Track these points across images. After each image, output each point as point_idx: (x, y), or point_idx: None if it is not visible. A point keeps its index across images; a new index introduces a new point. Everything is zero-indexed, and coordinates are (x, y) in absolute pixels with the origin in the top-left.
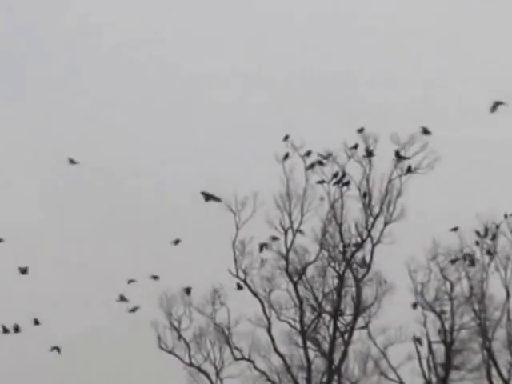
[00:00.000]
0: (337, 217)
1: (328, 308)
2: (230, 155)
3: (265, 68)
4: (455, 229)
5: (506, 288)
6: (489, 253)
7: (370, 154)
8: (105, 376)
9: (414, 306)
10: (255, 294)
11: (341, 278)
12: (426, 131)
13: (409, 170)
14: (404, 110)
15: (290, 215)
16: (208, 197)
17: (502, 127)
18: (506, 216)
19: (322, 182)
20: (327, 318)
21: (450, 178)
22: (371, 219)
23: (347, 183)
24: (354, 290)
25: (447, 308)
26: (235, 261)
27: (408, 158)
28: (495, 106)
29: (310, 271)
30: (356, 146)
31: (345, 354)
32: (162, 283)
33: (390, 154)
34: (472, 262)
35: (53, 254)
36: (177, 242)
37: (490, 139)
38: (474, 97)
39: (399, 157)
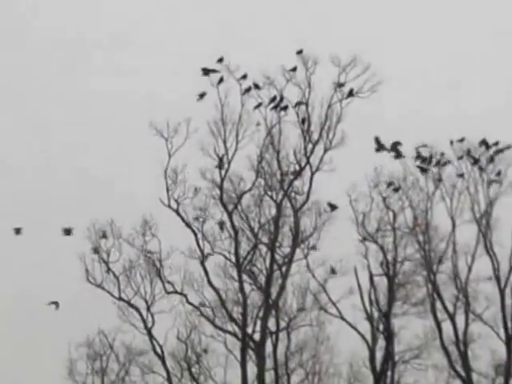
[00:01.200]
0: (274, 143)
1: (265, 239)
2: (163, 79)
3: None
4: (398, 156)
5: (452, 218)
6: (436, 178)
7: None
8: (32, 311)
9: (363, 239)
10: (188, 225)
11: (278, 207)
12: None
13: (350, 93)
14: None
15: (224, 142)
16: (207, 71)
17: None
18: (451, 142)
19: (258, 105)
20: (264, 249)
21: (394, 101)
22: (310, 146)
23: (285, 108)
24: (292, 220)
25: (390, 239)
26: (167, 190)
27: (343, 85)
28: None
29: (246, 201)
30: (295, 69)
31: (282, 287)
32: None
33: (331, 76)
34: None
35: None
36: None
37: None
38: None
39: (339, 84)
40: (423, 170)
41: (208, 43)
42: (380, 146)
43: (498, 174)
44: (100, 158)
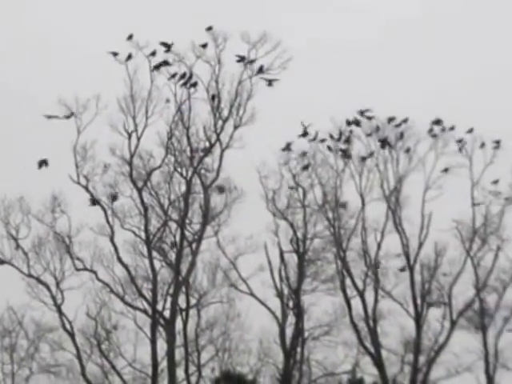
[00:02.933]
0: (184, 120)
1: (175, 216)
2: (71, 54)
3: None
4: (306, 134)
5: (361, 195)
6: (345, 155)
7: None
8: None
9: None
10: (97, 202)
11: (188, 184)
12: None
13: (260, 70)
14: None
15: (134, 118)
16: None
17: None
18: (357, 122)
19: (173, 76)
20: (174, 226)
21: (304, 79)
22: (220, 123)
23: (195, 84)
24: (202, 197)
25: (300, 216)
26: (76, 166)
27: (251, 63)
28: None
29: (156, 177)
30: (205, 45)
31: (192, 264)
32: None
33: (242, 53)
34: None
35: None
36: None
37: (346, 39)
38: None
39: (242, 59)
40: (330, 149)
41: (118, 20)
42: (305, 132)
43: (407, 151)
44: (8, 129)
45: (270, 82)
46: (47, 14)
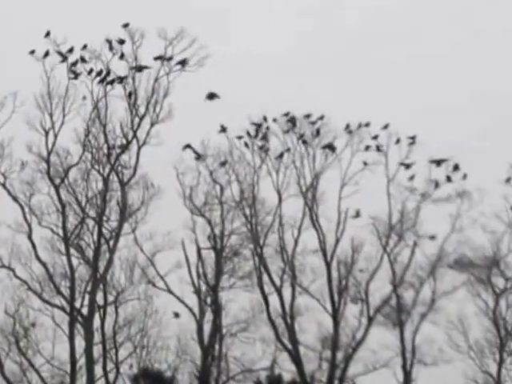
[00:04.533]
0: (101, 117)
1: (92, 213)
2: None
3: None
4: (224, 129)
5: (278, 192)
6: (262, 150)
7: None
8: None
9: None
10: (15, 199)
11: (105, 181)
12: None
13: (182, 63)
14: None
15: (51, 115)
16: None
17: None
18: (274, 119)
19: (90, 71)
20: (91, 223)
21: (220, 75)
22: (137, 120)
23: (112, 82)
24: (119, 194)
25: (217, 213)
26: None
27: (168, 60)
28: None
29: (73, 174)
30: (122, 42)
31: (110, 261)
32: None
33: (159, 50)
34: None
35: None
36: None
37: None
38: None
39: (165, 58)
40: (247, 145)
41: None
42: (223, 129)
43: (324, 147)
44: None
45: (182, 64)
46: None
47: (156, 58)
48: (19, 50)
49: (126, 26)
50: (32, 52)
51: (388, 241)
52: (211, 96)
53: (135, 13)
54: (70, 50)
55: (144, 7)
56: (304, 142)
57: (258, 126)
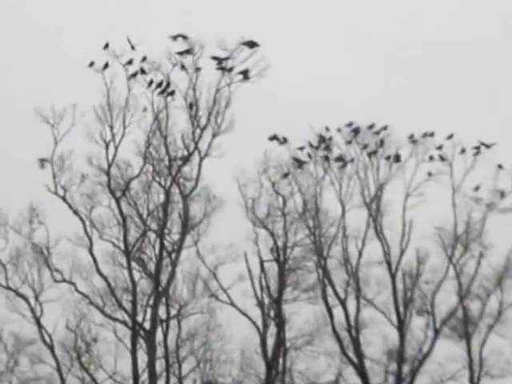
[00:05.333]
0: (161, 129)
1: (154, 226)
2: (47, 63)
3: None
4: (285, 140)
5: (342, 203)
6: (325, 159)
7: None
8: None
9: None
10: (75, 212)
11: (167, 193)
12: (252, 44)
13: (243, 74)
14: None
15: (111, 128)
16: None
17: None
18: (339, 130)
19: (150, 83)
20: (153, 236)
21: (282, 87)
22: (198, 131)
23: (172, 93)
24: (181, 206)
25: (280, 224)
26: (53, 177)
27: (229, 70)
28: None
29: (134, 187)
30: (182, 53)
31: (172, 274)
32: None
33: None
34: (300, 165)
35: None
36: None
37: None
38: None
39: (220, 62)
40: (310, 156)
41: (94, 28)
42: (284, 140)
43: (388, 158)
44: None
45: (244, 75)
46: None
47: (217, 63)
48: (78, 62)
49: (185, 37)
50: (91, 64)
51: (454, 252)
52: (251, 44)
53: (195, 23)
54: (130, 62)
55: (203, 18)
56: (368, 153)
57: (321, 136)
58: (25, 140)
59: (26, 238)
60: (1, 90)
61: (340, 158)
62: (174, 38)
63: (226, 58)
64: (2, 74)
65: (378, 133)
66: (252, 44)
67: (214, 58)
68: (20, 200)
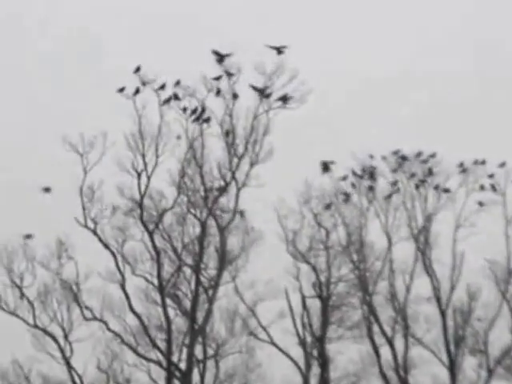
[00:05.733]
0: (197, 157)
1: (189, 261)
2: (75, 89)
3: None
4: (327, 169)
5: (388, 235)
6: (370, 189)
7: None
8: None
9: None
10: (106, 246)
11: (203, 226)
12: (279, 51)
13: (283, 101)
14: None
15: (143, 156)
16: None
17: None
18: (384, 157)
19: (184, 110)
20: (188, 271)
21: (324, 113)
22: (235, 160)
23: (207, 120)
24: (217, 239)
25: (322, 258)
26: (83, 208)
27: (268, 96)
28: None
29: (168, 219)
30: (218, 78)
31: (209, 312)
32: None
33: (257, 85)
34: (347, 199)
35: None
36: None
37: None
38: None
39: (260, 92)
40: (353, 186)
41: (123, 52)
42: (326, 169)
43: (436, 187)
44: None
45: (283, 100)
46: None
47: (258, 92)
48: (107, 88)
49: (221, 60)
50: (121, 90)
51: (507, 286)
52: (325, 167)
53: (231, 46)
54: (162, 87)
55: (240, 40)
56: (415, 183)
57: (365, 165)
58: (52, 170)
59: (55, 274)
60: (29, 117)
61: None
62: (215, 53)
63: (265, 88)
64: (30, 100)
65: (425, 161)
66: (280, 49)
67: (254, 88)
68: (48, 233)
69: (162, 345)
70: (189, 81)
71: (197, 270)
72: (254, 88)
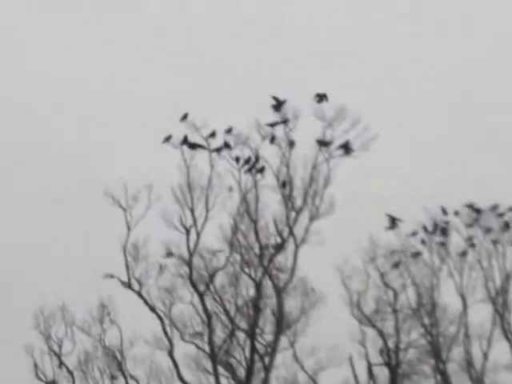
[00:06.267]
0: (250, 212)
1: (243, 325)
2: (116, 141)
3: None
4: (394, 224)
5: (462, 297)
6: (442, 245)
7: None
8: None
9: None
10: (152, 309)
11: (258, 287)
12: (320, 97)
13: (345, 149)
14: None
15: (192, 211)
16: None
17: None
18: (456, 213)
19: (236, 160)
20: (243, 337)
21: (389, 161)
22: (293, 214)
23: (262, 170)
24: (274, 301)
25: (390, 322)
26: (127, 268)
27: (328, 144)
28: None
29: (220, 279)
30: (273, 125)
31: (266, 381)
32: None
33: (316, 132)
34: (417, 256)
35: None
36: None
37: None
38: None
39: (321, 143)
40: (424, 243)
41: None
42: (393, 224)
43: None
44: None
45: (345, 148)
46: None
47: (317, 142)
48: (153, 137)
49: (277, 106)
50: (168, 139)
51: None
52: (393, 222)
53: (287, 91)
54: (212, 135)
55: (296, 86)
56: (492, 239)
57: (437, 219)
58: (93, 225)
59: (97, 340)
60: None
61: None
62: (274, 98)
63: (329, 143)
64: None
65: (502, 214)
66: (322, 97)
67: (320, 143)
68: (88, 296)
69: None
70: (241, 128)
71: (252, 335)
72: (320, 142)
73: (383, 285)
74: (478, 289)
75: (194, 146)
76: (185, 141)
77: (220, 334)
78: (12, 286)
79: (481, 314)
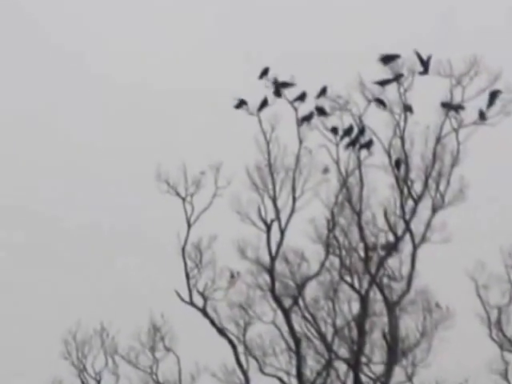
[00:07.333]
0: (352, 201)
1: (344, 352)
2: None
3: None
4: None
5: None
6: None
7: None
8: None
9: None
10: (222, 332)
11: (363, 300)
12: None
13: (481, 116)
14: None
15: (274, 200)
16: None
17: None
18: None
19: (333, 130)
20: (343, 368)
21: None
22: (410, 203)
23: (368, 144)
24: (385, 320)
25: None
26: (187, 276)
27: (461, 108)
28: None
29: (312, 291)
30: (384, 83)
31: None
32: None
33: (438, 94)
34: None
35: None
36: None
37: None
38: None
39: (449, 106)
40: None
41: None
42: None
43: None
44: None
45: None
46: None
47: (442, 106)
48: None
49: (386, 60)
50: (240, 104)
51: None
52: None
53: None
54: (302, 97)
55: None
56: None
57: None
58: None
59: (147, 374)
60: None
61: None
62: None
63: (460, 106)
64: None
65: None
66: (388, 59)
67: (446, 106)
68: (135, 314)
69: None
70: (338, 89)
71: (355, 365)
72: (444, 104)
73: None
74: None
75: (279, 93)
76: (264, 104)
77: (312, 364)
78: (37, 303)
79: None
